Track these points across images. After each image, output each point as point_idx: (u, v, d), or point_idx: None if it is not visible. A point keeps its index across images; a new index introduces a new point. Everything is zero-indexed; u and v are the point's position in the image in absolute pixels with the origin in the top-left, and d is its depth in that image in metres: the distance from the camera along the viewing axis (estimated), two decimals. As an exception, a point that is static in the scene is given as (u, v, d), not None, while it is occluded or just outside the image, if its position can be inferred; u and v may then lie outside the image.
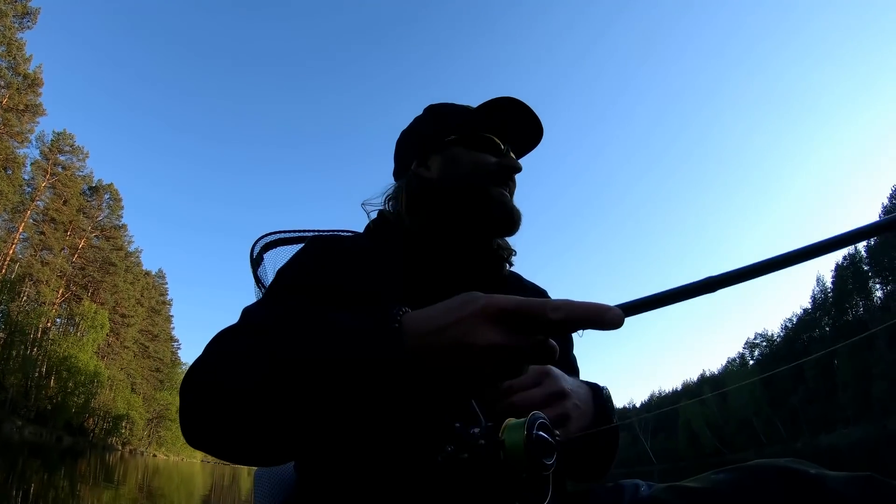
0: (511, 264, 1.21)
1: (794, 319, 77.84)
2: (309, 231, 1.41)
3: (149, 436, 76.65)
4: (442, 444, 0.66)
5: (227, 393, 0.69)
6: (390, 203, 1.24)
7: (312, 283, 0.99)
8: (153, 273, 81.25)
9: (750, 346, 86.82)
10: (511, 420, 0.65)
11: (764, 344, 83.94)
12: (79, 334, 52.60)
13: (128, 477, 21.50)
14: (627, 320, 0.62)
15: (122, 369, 65.82)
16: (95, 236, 60.04)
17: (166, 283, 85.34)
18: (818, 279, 71.95)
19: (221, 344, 0.80)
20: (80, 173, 56.46)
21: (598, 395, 0.92)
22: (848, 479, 0.70)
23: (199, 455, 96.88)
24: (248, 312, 0.93)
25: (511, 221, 1.13)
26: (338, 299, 0.95)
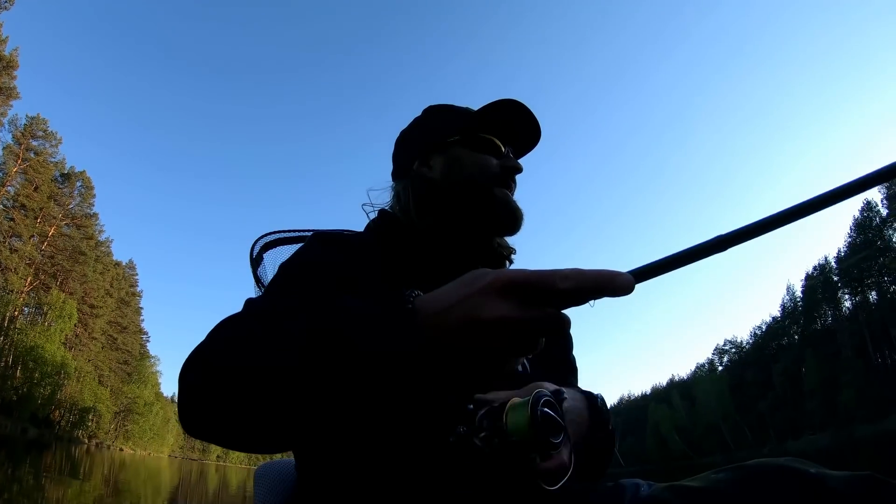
0: (511, 262, 1.20)
1: (764, 327, 78.99)
2: (309, 231, 1.39)
3: (115, 429, 75.51)
4: (454, 425, 0.65)
5: (235, 378, 0.67)
6: (393, 203, 1.24)
7: (317, 275, 0.99)
8: (123, 263, 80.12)
9: (719, 352, 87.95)
10: (515, 399, 0.65)
11: (733, 350, 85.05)
12: (46, 324, 51.65)
13: (94, 471, 21.15)
14: (638, 285, 0.62)
15: (89, 361, 64.81)
16: (66, 224, 58.97)
17: (136, 275, 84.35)
18: (788, 288, 73.34)
19: (228, 329, 0.78)
20: (53, 159, 55.47)
21: (593, 403, 0.93)
22: (848, 478, 0.70)
23: (166, 450, 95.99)
24: (252, 302, 0.92)
25: (514, 221, 1.15)
26: (343, 291, 0.95)
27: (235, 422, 0.69)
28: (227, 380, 0.68)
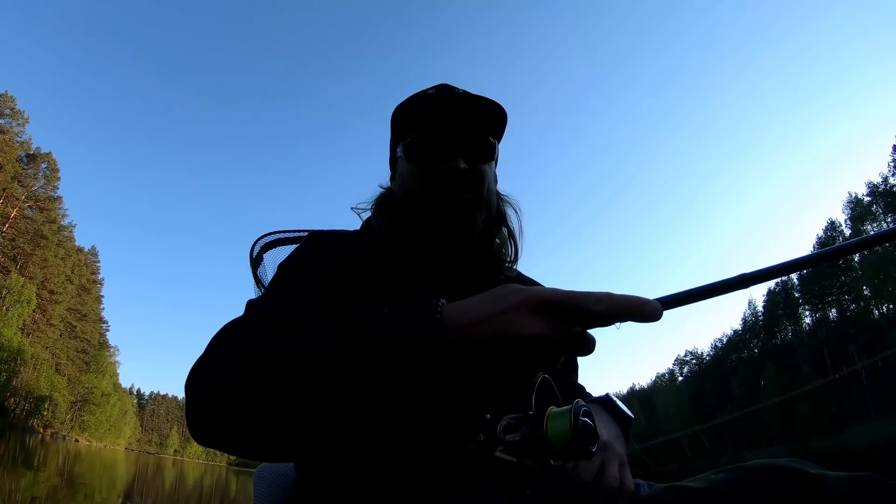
0: (505, 274, 1.19)
1: (724, 339, 79.91)
2: (309, 231, 1.36)
3: (72, 419, 74.16)
4: (473, 433, 0.67)
5: (247, 388, 0.67)
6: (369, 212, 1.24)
7: (315, 276, 1.00)
8: (86, 250, 78.61)
9: (680, 362, 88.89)
10: (553, 408, 0.66)
11: (693, 361, 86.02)
12: (4, 308, 50.47)
13: (48, 462, 20.69)
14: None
15: (46, 348, 63.51)
16: (29, 206, 57.85)
17: (99, 262, 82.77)
18: (750, 302, 74.08)
19: (235, 336, 0.78)
20: (19, 139, 54.37)
21: (612, 406, 0.98)
22: (848, 478, 0.70)
23: (122, 442, 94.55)
24: (256, 304, 0.92)
25: (445, 226, 1.09)
26: (342, 291, 0.97)
27: (248, 432, 0.69)
28: (238, 390, 0.68)
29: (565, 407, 0.65)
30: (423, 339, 0.63)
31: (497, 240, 1.19)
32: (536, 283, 1.29)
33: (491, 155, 1.14)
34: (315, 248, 1.08)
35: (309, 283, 0.98)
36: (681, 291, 0.71)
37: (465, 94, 1.09)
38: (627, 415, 0.95)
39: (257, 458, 0.77)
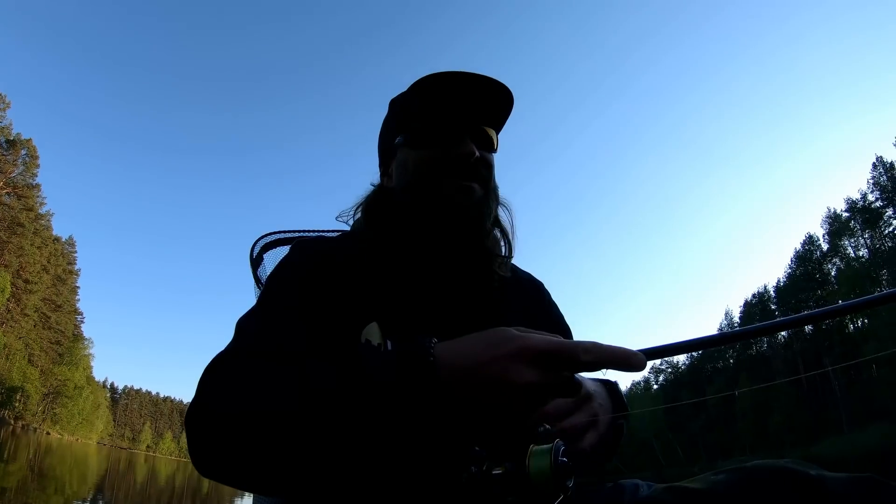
0: (498, 274, 1.13)
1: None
2: (309, 231, 1.40)
3: (43, 412, 73.24)
4: (464, 465, 0.68)
5: (252, 425, 0.68)
6: (355, 216, 1.19)
7: (303, 290, 0.96)
8: (63, 239, 77.57)
9: (655, 371, 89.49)
10: (535, 447, 0.68)
11: (669, 370, 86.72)
12: (-24, 297, 49.48)
13: (18, 454, 20.39)
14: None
15: (19, 338, 62.71)
16: (7, 193, 56.99)
17: (76, 252, 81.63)
18: (727, 313, 74.78)
19: (230, 372, 0.79)
20: (-1, 124, 53.36)
21: (613, 390, 0.97)
22: (848, 479, 0.70)
23: (94, 436, 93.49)
24: (247, 331, 0.90)
25: (458, 216, 1.04)
26: (328, 307, 0.95)
27: (246, 474, 0.72)
28: (236, 438, 0.69)
29: (546, 446, 0.67)
30: (417, 384, 0.65)
31: (497, 232, 1.16)
32: (532, 278, 1.29)
33: (495, 145, 1.11)
34: (300, 259, 1.03)
35: (296, 301, 0.95)
36: (664, 345, 0.78)
37: (482, 76, 1.02)
38: (624, 405, 0.96)
39: (258, 493, 0.79)
